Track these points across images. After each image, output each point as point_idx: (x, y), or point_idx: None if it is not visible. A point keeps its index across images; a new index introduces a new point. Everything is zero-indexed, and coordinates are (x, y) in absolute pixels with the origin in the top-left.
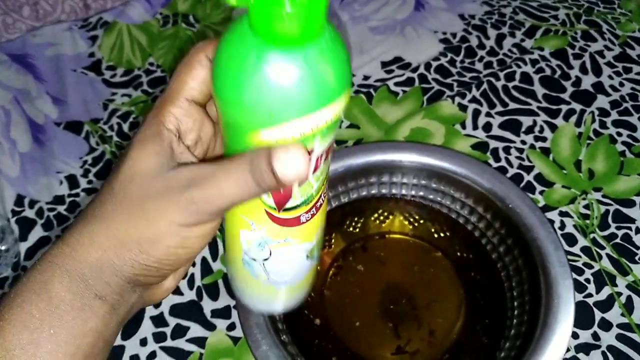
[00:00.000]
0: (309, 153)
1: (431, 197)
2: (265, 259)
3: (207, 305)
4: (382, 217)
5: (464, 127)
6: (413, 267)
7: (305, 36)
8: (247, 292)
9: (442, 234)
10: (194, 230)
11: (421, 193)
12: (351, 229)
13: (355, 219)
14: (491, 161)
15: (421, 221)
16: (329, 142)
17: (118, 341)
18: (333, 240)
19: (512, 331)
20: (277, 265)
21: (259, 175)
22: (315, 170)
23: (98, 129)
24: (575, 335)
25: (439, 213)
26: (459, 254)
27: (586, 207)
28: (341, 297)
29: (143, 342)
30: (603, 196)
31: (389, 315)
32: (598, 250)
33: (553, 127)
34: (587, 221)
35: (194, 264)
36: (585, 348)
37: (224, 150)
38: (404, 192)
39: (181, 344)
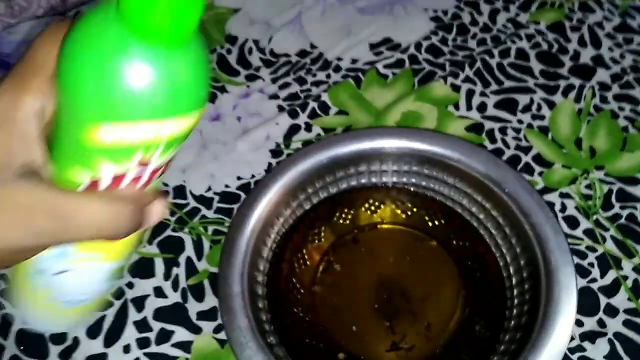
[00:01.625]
0: (145, 164)
1: (424, 184)
2: (57, 273)
3: (193, 307)
4: (373, 207)
5: (457, 108)
6: (407, 258)
7: (176, 38)
8: (27, 305)
9: (436, 222)
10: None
11: (413, 180)
12: (341, 221)
13: (345, 210)
14: (487, 143)
15: (414, 210)
16: (167, 158)
17: (100, 349)
18: (322, 234)
19: (511, 322)
20: (71, 282)
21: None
22: (147, 184)
23: None
24: (579, 323)
25: (433, 200)
26: (454, 242)
27: (588, 187)
28: (332, 293)
29: (126, 349)
30: (605, 175)
31: (382, 310)
32: (602, 232)
33: (551, 105)
34: (590, 202)
35: (177, 265)
36: (591, 336)
37: (51, 140)
38: (395, 179)
39: (166, 349)
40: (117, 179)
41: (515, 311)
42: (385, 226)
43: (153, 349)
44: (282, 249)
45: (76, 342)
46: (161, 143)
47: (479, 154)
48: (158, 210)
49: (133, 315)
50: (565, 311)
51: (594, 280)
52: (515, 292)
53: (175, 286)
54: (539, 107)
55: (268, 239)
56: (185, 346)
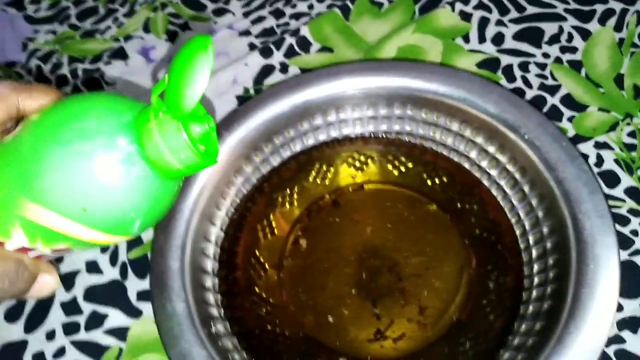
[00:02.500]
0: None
1: (421, 132)
2: None
3: (133, 286)
4: (357, 163)
5: (467, 40)
6: (398, 225)
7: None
8: None
9: (437, 181)
10: None
11: (408, 128)
12: (318, 180)
13: (324, 167)
14: (503, 82)
15: (409, 165)
16: (73, 251)
17: (19, 335)
18: (294, 197)
19: (529, 308)
20: None
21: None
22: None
23: (13, 74)
24: (617, 307)
25: (433, 153)
26: (459, 205)
27: (631, 134)
28: (304, 269)
29: (50, 335)
30: None
31: (365, 289)
32: None
33: (585, 34)
34: (633, 153)
35: None
36: (632, 324)
37: None
38: (384, 127)
39: (97, 336)
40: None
41: (534, 294)
42: (372, 186)
43: (82, 335)
44: (243, 215)
45: None
46: (71, 239)
47: (490, 92)
48: (48, 281)
49: (61, 294)
50: (604, 295)
51: (637, 252)
52: (535, 268)
53: (113, 260)
54: (570, 38)
55: (222, 202)
56: (120, 333)
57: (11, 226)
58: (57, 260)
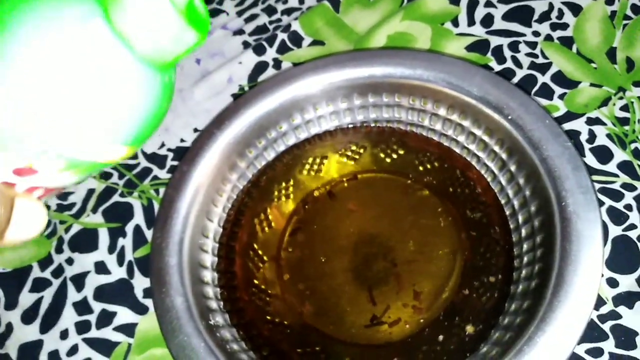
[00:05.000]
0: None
1: (410, 118)
2: None
3: (139, 284)
4: (350, 153)
5: (456, 24)
6: (393, 212)
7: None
8: None
9: (428, 166)
10: None
11: (397, 115)
12: (312, 172)
13: (317, 159)
14: (493, 64)
15: (400, 152)
16: (61, 183)
17: (35, 335)
18: (290, 190)
19: (519, 288)
20: None
21: None
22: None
23: None
24: (613, 283)
25: (422, 139)
26: (450, 189)
27: (624, 108)
28: (302, 259)
29: (64, 334)
30: None
31: (361, 276)
32: None
33: (576, 10)
34: (626, 127)
35: (124, 235)
36: (628, 298)
37: None
38: (374, 116)
39: (107, 333)
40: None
41: (524, 273)
42: (366, 175)
43: (93, 333)
44: (239, 210)
45: (9, 328)
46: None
47: (474, 74)
48: (29, 209)
49: (72, 295)
50: (587, 271)
51: (632, 227)
52: (524, 247)
53: (120, 260)
54: (561, 14)
55: (219, 198)
56: (128, 329)
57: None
58: (67, 263)
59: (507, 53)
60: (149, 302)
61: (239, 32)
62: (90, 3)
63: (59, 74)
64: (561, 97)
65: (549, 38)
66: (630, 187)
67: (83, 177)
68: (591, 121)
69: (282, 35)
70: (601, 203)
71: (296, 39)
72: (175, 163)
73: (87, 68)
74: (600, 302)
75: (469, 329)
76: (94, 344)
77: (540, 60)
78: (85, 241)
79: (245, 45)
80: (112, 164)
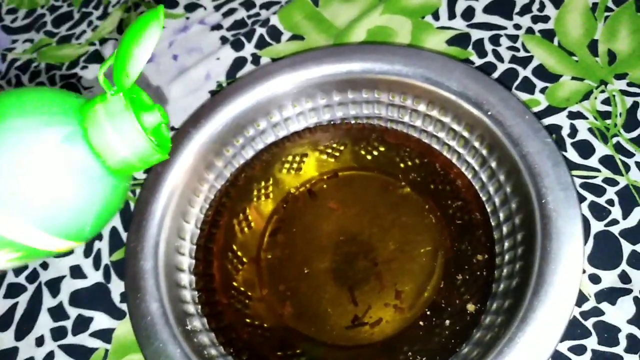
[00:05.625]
0: None
1: (390, 115)
2: None
3: (116, 288)
4: (330, 150)
5: (436, 18)
6: (374, 210)
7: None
8: None
9: (409, 163)
10: None
11: (377, 111)
12: (292, 171)
13: (297, 157)
14: (474, 58)
15: (381, 149)
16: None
17: (10, 342)
18: (270, 189)
19: (500, 287)
20: None
21: None
22: None
23: None
24: (595, 279)
25: (403, 135)
26: (431, 186)
27: (606, 102)
28: (282, 260)
29: (39, 341)
30: (629, 84)
31: (343, 277)
32: (624, 159)
33: (558, 2)
34: (608, 121)
35: (100, 238)
36: (611, 295)
37: None
38: (353, 112)
39: (84, 339)
40: None
41: (505, 271)
42: (346, 173)
43: (69, 339)
44: (217, 211)
45: None
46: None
47: (453, 69)
48: None
49: (48, 300)
50: (567, 269)
51: (614, 222)
52: (506, 245)
53: (96, 264)
54: (542, 6)
55: (196, 199)
56: (105, 335)
57: None
58: (42, 267)
59: (488, 47)
60: (125, 307)
61: (217, 27)
62: (73, 124)
63: (34, 175)
64: (542, 91)
65: (530, 31)
66: (612, 182)
67: (20, 264)
68: (573, 115)
69: (260, 30)
70: (583, 198)
71: (275, 34)
72: None
73: (61, 173)
74: (582, 298)
75: (451, 328)
76: (70, 350)
77: (522, 53)
78: None
79: (223, 40)
80: (51, 254)
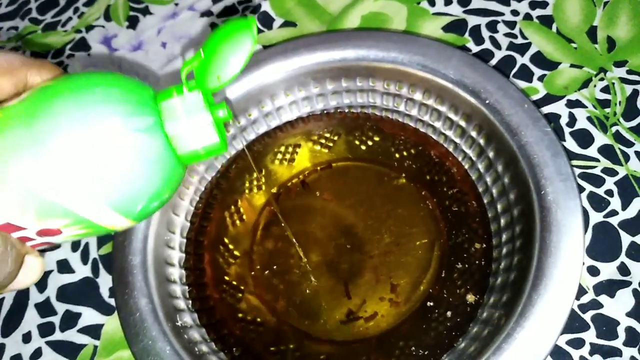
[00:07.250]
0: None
1: (385, 103)
2: None
3: (104, 282)
4: (323, 141)
5: (432, 3)
6: (369, 202)
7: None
8: None
9: (405, 153)
10: None
11: (371, 100)
12: (285, 162)
13: (290, 148)
14: (471, 45)
15: (375, 139)
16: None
17: None
18: (263, 180)
19: (497, 280)
20: None
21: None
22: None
23: None
24: (594, 271)
25: (398, 125)
26: (427, 177)
27: (605, 89)
28: (276, 253)
29: (26, 337)
30: (628, 72)
31: (337, 270)
32: (623, 148)
33: None
34: (607, 110)
35: None
36: (609, 287)
37: None
38: (347, 101)
39: (72, 335)
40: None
41: (503, 264)
42: (340, 164)
43: (57, 336)
44: (208, 203)
45: None
46: (77, 219)
47: (450, 56)
48: (33, 265)
49: (35, 296)
50: (567, 263)
51: (613, 213)
52: (503, 238)
53: (84, 258)
54: None
55: (186, 191)
56: (94, 331)
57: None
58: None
59: (485, 33)
60: (114, 302)
61: (207, 13)
62: (154, 115)
63: (115, 162)
64: (540, 78)
65: (528, 17)
66: (611, 172)
67: (77, 239)
68: (571, 104)
69: (251, 16)
70: (581, 189)
71: (267, 20)
72: None
73: (140, 161)
74: (581, 291)
75: (448, 321)
76: (58, 347)
77: (520, 40)
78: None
79: (213, 27)
80: (111, 232)
